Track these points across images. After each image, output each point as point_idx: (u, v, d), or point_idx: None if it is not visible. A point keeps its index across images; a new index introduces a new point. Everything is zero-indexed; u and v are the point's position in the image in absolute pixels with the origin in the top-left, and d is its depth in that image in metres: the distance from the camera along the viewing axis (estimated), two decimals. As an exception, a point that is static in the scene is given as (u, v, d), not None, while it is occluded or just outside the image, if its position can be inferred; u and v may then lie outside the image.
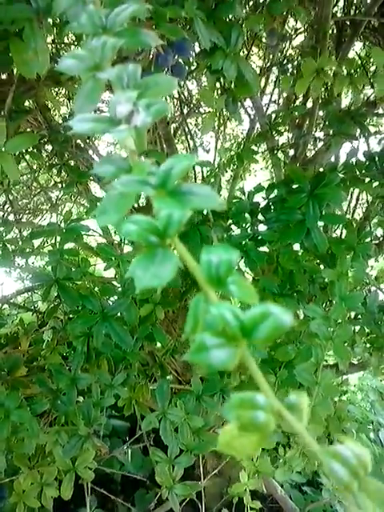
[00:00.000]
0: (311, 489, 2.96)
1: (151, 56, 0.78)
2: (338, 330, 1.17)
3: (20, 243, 1.28)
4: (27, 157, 1.66)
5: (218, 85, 0.98)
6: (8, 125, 0.86)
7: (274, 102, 2.22)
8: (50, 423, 1.34)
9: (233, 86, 0.96)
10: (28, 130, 1.78)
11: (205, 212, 1.35)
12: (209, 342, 0.29)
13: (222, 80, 0.96)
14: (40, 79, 0.85)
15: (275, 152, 1.85)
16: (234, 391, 1.39)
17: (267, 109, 2.03)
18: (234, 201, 1.41)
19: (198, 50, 0.97)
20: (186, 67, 1.49)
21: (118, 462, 2.94)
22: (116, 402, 1.43)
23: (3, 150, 0.83)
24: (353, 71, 1.13)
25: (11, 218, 2.59)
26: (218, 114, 1.49)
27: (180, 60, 0.85)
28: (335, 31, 2.06)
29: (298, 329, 1.35)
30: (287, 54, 2.01)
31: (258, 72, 1.79)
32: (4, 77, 0.97)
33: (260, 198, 1.42)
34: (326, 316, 1.20)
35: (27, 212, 2.98)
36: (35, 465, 1.38)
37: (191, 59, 1.02)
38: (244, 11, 1.14)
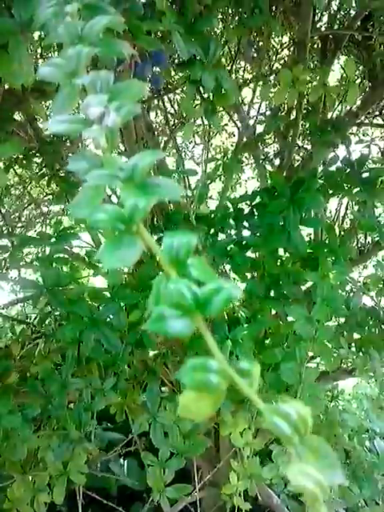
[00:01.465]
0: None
1: (130, 68, 0.82)
2: (320, 330, 1.20)
3: (10, 253, 1.30)
4: (18, 169, 1.69)
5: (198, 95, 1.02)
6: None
7: (261, 113, 2.28)
8: (41, 428, 1.35)
9: (212, 96, 1.00)
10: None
11: (190, 219, 1.39)
12: (166, 313, 0.32)
13: (201, 90, 1.00)
14: (26, 91, 0.89)
15: (261, 162, 1.90)
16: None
17: (255, 120, 2.08)
18: (218, 208, 1.46)
19: (177, 61, 1.01)
20: (171, 80, 1.54)
21: (115, 475, 2.93)
22: (109, 413, 1.46)
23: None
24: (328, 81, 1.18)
25: (3, 229, 2.62)
26: (205, 126, 1.54)
27: (158, 70, 0.89)
28: (319, 45, 2.13)
29: (285, 331, 1.37)
30: (273, 67, 2.08)
31: (245, 84, 1.85)
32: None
33: (245, 203, 1.46)
34: (308, 317, 1.23)
35: (20, 224, 3.01)
36: (27, 472, 1.39)
37: (174, 72, 1.06)
38: (224, 25, 1.18)
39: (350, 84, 1.18)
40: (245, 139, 2.04)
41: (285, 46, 2.22)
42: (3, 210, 2.45)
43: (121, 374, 1.34)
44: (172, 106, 2.31)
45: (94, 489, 1.95)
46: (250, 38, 1.19)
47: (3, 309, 2.03)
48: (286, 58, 2.09)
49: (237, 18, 1.12)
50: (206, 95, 1.01)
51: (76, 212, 0.42)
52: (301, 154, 2.09)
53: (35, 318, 1.83)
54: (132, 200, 0.37)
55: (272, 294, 1.36)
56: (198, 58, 0.97)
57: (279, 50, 2.17)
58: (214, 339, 0.34)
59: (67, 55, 0.51)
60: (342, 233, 2.13)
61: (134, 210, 0.37)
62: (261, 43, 1.38)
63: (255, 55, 1.27)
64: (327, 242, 1.37)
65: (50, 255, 1.34)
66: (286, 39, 2.23)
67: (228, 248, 1.30)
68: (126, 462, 2.96)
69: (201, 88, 1.01)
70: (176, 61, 1.21)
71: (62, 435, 1.28)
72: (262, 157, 1.89)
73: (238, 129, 2.12)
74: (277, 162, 2.09)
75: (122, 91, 0.49)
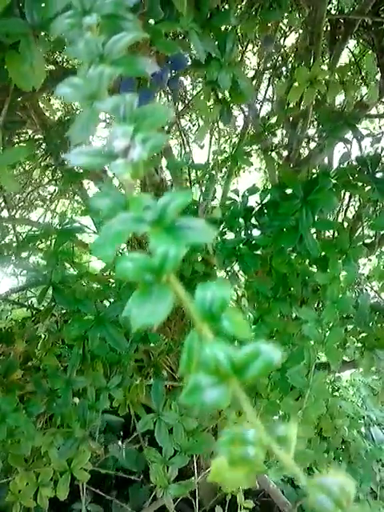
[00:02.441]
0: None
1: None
2: (329, 333, 1.19)
3: (14, 240, 1.28)
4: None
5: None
6: (3, 134, 0.86)
7: (269, 100, 2.22)
8: (45, 424, 1.35)
9: (227, 94, 0.97)
10: (24, 130, 1.78)
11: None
12: (203, 382, 0.31)
13: (216, 89, 0.97)
14: (35, 90, 0.85)
15: (269, 153, 1.86)
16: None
17: (261, 107, 2.03)
18: (228, 203, 1.43)
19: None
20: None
21: (113, 457, 2.97)
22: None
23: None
24: (346, 78, 1.14)
25: (5, 213, 2.59)
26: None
27: (176, 74, 0.86)
28: (329, 29, 2.06)
29: (291, 331, 1.37)
30: (282, 54, 2.02)
31: (253, 71, 1.80)
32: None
33: (254, 200, 1.44)
34: (317, 319, 1.22)
35: (22, 208, 2.97)
36: (31, 465, 1.39)
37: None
38: (237, 15, 1.14)
39: (370, 82, 1.13)
40: (252, 129, 2.00)
41: (293, 29, 2.15)
42: (4, 194, 2.42)
43: (126, 372, 1.33)
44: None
45: (91, 471, 1.97)
46: (269, 33, 1.14)
47: (6, 296, 2.01)
48: (296, 46, 2.03)
49: (253, 11, 1.07)
50: (221, 95, 0.97)
51: (98, 253, 0.40)
52: (310, 146, 2.05)
53: (37, 311, 1.82)
54: (163, 247, 0.35)
55: (280, 293, 1.35)
56: (213, 56, 0.94)
57: (288, 34, 2.11)
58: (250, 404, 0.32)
59: (88, 75, 0.48)
60: (347, 223, 2.11)
61: (165, 258, 0.35)
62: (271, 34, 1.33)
63: (274, 51, 1.23)
64: (337, 241, 1.35)
65: (56, 249, 1.32)
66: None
67: (237, 247, 1.28)
68: (124, 444, 2.98)
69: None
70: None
71: (66, 433, 1.28)
72: (270, 148, 1.85)
73: (244, 114, 2.08)
74: (284, 153, 2.05)
75: (148, 116, 0.46)
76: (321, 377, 1.20)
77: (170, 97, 1.37)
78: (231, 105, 0.98)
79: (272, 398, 1.35)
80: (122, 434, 2.94)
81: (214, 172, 1.57)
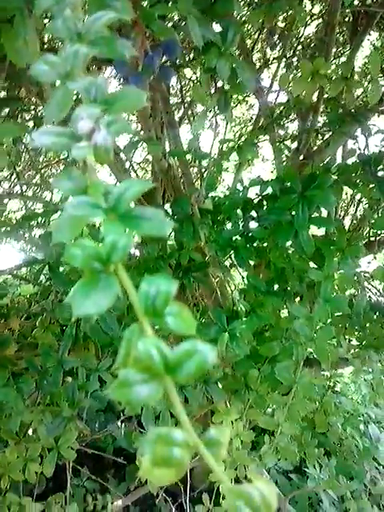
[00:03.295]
0: (297, 476, 3.00)
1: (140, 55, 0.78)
2: (320, 331, 1.18)
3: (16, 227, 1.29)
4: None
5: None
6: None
7: (283, 90, 2.19)
8: (35, 402, 1.37)
9: (226, 84, 0.96)
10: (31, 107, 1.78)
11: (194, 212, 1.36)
12: (132, 377, 0.30)
13: (215, 77, 0.96)
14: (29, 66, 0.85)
15: (277, 144, 1.84)
16: (218, 382, 1.42)
17: (277, 98, 2.00)
18: (231, 193, 1.42)
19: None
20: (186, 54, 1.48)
21: (111, 436, 3.01)
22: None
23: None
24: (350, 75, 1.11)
25: (17, 189, 2.61)
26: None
27: (169, 61, 0.84)
28: (351, 20, 2.02)
29: (283, 326, 1.36)
30: (301, 44, 1.98)
31: (265, 65, 1.77)
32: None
33: (257, 191, 1.43)
34: (309, 316, 1.21)
35: (34, 185, 2.98)
36: (22, 439, 1.42)
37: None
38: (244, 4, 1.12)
39: (372, 81, 1.11)
40: (262, 121, 1.97)
41: (314, 18, 2.11)
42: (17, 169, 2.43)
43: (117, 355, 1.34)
44: (184, 78, 2.23)
45: (90, 447, 1.99)
46: (272, 25, 1.12)
47: (14, 270, 2.02)
48: (312, 35, 1.99)
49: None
50: (220, 84, 0.96)
51: (57, 237, 0.40)
52: (319, 140, 2.02)
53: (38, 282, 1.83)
54: (112, 237, 0.35)
55: (275, 287, 1.34)
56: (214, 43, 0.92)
57: (308, 22, 2.07)
58: (179, 400, 0.32)
59: (63, 54, 0.48)
60: (355, 222, 2.08)
61: (114, 248, 0.35)
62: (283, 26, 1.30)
63: (277, 42, 1.20)
64: (335, 239, 1.33)
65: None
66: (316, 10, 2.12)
67: (233, 239, 1.28)
68: (123, 424, 3.02)
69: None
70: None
71: (54, 412, 1.30)
72: (279, 139, 1.83)
73: (259, 103, 2.05)
74: (294, 145, 2.03)
75: (120, 100, 0.46)
76: (307, 375, 1.20)
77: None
78: (231, 95, 0.97)
79: (261, 392, 1.35)
80: (121, 414, 2.98)
81: (221, 162, 1.56)
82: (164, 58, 0.80)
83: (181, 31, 0.87)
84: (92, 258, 0.35)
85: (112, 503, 1.92)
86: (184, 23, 0.89)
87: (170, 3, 0.78)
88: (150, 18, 0.72)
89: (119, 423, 3.00)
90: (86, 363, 1.32)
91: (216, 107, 1.03)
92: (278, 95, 2.07)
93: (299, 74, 1.14)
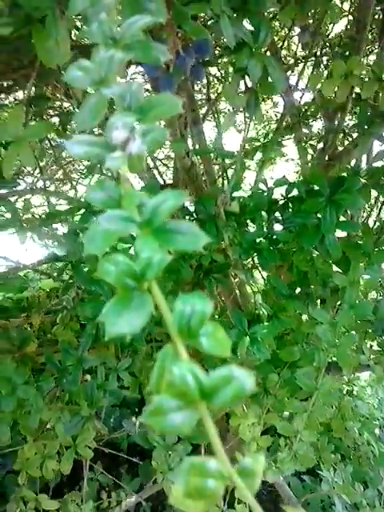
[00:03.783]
0: (311, 478, 2.97)
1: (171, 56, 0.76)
2: (343, 338, 1.16)
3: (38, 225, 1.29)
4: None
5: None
6: (27, 111, 0.86)
7: (307, 88, 2.15)
8: (53, 399, 1.38)
9: (256, 84, 0.94)
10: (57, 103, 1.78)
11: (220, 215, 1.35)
12: (166, 404, 0.29)
13: (245, 77, 0.94)
14: (60, 67, 0.84)
15: (303, 144, 1.81)
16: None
17: (302, 96, 1.96)
18: (255, 193, 1.40)
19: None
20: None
21: (126, 431, 3.02)
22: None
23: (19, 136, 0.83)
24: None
25: (40, 184, 2.61)
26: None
27: (200, 60, 0.82)
28: (381, 17, 1.97)
29: (305, 330, 1.34)
30: (328, 42, 1.94)
31: (295, 64, 1.74)
32: (26, 61, 0.97)
33: (282, 191, 1.40)
34: (332, 322, 1.19)
35: (57, 180, 2.99)
36: (40, 436, 1.43)
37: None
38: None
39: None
40: (288, 119, 1.94)
41: (343, 14, 2.06)
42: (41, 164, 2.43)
43: (137, 355, 1.34)
44: (210, 75, 2.21)
45: (105, 444, 2.01)
46: (305, 23, 1.09)
47: (37, 265, 2.03)
48: (341, 34, 1.94)
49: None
50: (250, 84, 0.94)
51: (88, 249, 0.39)
52: (346, 141, 1.98)
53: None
54: (147, 253, 0.34)
55: (297, 290, 1.32)
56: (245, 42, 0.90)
57: (339, 20, 2.02)
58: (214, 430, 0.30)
59: (98, 59, 0.46)
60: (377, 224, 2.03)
61: (148, 264, 0.34)
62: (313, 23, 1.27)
63: (310, 40, 1.18)
64: (361, 243, 1.30)
65: (78, 226, 1.32)
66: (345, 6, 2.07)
67: (257, 241, 1.26)
68: (137, 420, 3.03)
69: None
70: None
71: (73, 410, 1.30)
72: (304, 139, 1.80)
73: (285, 101, 2.01)
74: (319, 144, 1.99)
75: (155, 107, 0.44)
76: (329, 382, 1.18)
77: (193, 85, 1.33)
78: (260, 95, 0.95)
79: (280, 397, 1.34)
80: (137, 409, 2.99)
81: (244, 160, 1.53)
82: (195, 58, 0.78)
83: (209, 29, 0.85)
84: (125, 274, 0.34)
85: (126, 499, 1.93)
86: (211, 21, 0.87)
87: (202, 1, 0.76)
88: (183, 18, 0.70)
89: (134, 419, 3.01)
90: (106, 362, 1.32)
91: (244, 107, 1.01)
92: (303, 94, 2.03)
93: (330, 74, 1.11)
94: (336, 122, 1.92)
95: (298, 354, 1.34)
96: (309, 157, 1.94)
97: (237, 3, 0.91)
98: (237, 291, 1.59)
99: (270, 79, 0.95)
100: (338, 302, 1.48)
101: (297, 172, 3.04)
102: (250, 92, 0.90)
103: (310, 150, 2.04)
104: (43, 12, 0.77)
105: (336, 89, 1.13)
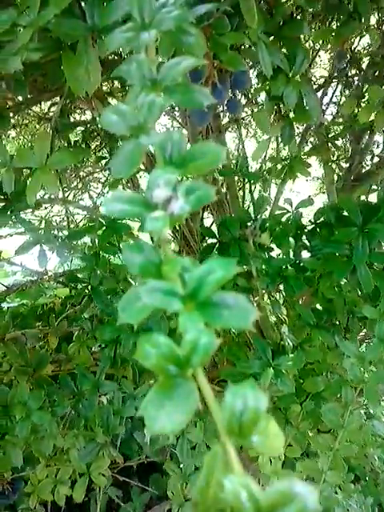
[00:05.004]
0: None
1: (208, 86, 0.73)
2: (372, 374, 1.11)
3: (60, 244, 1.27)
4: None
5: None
6: (54, 137, 0.83)
7: (335, 103, 2.10)
8: (67, 421, 1.34)
9: (291, 111, 0.90)
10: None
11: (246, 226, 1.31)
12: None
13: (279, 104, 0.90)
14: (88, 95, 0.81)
15: (329, 164, 1.76)
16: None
17: (325, 110, 1.91)
18: (278, 213, 1.36)
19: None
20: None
21: (137, 443, 2.98)
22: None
23: (44, 163, 0.81)
24: None
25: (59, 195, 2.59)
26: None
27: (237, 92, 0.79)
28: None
29: (331, 361, 1.29)
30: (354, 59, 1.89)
31: (322, 79, 1.69)
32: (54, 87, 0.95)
33: (306, 212, 1.36)
34: (361, 355, 1.14)
35: (75, 188, 2.98)
36: (53, 459, 1.39)
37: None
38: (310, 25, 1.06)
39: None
40: (314, 137, 1.90)
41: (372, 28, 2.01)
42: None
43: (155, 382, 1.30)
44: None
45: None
46: (342, 48, 1.05)
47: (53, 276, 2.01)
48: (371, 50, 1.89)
49: (327, 22, 0.99)
50: (283, 111, 0.90)
51: (123, 317, 0.35)
52: (374, 161, 1.93)
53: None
54: (192, 334, 0.30)
55: (324, 320, 1.27)
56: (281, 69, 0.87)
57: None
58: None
59: (137, 103, 0.43)
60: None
61: (194, 349, 0.30)
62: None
63: (345, 66, 1.13)
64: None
65: (99, 248, 1.30)
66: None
67: (283, 267, 1.21)
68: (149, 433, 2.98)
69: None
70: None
71: (88, 436, 1.27)
72: (331, 160, 1.75)
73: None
74: (345, 164, 1.95)
75: (197, 158, 0.41)
76: (357, 419, 1.12)
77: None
78: (295, 123, 0.91)
79: (302, 429, 1.29)
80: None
81: (268, 180, 1.49)
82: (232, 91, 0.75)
83: (243, 54, 0.82)
84: (167, 359, 0.30)
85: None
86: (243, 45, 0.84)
87: (239, 30, 0.73)
88: (221, 48, 0.67)
89: (146, 431, 2.96)
90: (123, 388, 1.28)
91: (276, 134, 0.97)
92: (330, 112, 1.99)
93: (363, 96, 1.07)
94: (363, 144, 1.88)
95: (322, 385, 1.29)
96: (335, 176, 1.89)
97: (272, 29, 0.88)
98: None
99: (304, 105, 0.91)
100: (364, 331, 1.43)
101: (320, 189, 2.99)
102: (284, 120, 0.86)
103: (335, 167, 1.99)
104: (74, 38, 0.74)
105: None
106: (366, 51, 1.86)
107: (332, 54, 1.65)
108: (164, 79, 0.45)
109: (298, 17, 0.97)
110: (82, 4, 0.71)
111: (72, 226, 2.50)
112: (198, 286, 0.33)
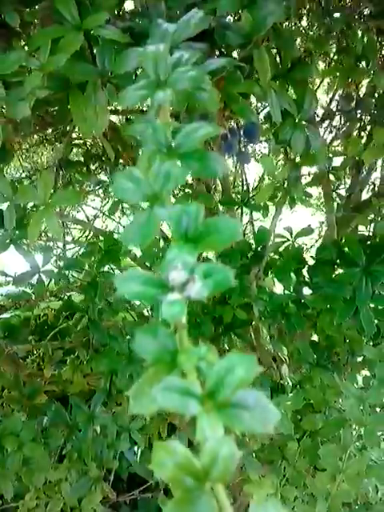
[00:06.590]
0: None
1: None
2: (372, 417, 1.09)
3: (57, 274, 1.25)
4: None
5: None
6: (57, 176, 0.82)
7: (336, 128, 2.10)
8: (60, 456, 1.31)
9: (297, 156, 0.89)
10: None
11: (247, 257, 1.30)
12: None
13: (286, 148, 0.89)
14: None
15: (329, 193, 1.76)
16: (255, 453, 1.33)
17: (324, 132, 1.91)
18: (278, 242, 1.35)
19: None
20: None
21: (127, 461, 2.93)
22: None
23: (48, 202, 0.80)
24: None
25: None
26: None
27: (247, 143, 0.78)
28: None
29: (329, 399, 1.27)
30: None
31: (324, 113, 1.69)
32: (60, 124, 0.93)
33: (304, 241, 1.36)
34: (361, 397, 1.12)
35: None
36: (43, 488, 1.36)
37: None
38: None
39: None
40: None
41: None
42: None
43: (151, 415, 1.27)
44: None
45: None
46: (348, 90, 1.05)
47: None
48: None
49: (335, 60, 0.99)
50: (290, 154, 0.90)
51: (134, 406, 0.34)
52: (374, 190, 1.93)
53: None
54: (212, 444, 0.29)
55: (324, 358, 1.25)
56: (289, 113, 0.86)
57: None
58: None
59: (152, 172, 0.42)
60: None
61: (214, 461, 0.28)
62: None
63: (351, 109, 1.13)
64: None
65: (97, 277, 1.28)
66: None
67: (284, 304, 1.20)
68: (139, 450, 2.96)
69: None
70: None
71: (81, 470, 1.24)
72: (332, 190, 1.75)
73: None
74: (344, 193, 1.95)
75: (212, 233, 0.39)
76: (356, 465, 1.10)
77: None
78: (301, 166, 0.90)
79: (299, 467, 1.26)
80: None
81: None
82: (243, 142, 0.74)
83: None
84: (184, 471, 0.29)
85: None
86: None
87: (251, 78, 0.72)
88: (234, 99, 0.66)
89: (136, 449, 2.93)
90: (118, 420, 1.25)
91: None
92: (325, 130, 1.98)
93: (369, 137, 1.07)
94: (363, 174, 1.88)
95: (321, 423, 1.27)
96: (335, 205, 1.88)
97: (281, 72, 0.88)
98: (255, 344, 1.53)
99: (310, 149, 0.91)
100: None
101: (317, 208, 2.98)
102: (291, 164, 0.86)
103: (335, 196, 1.99)
104: (83, 80, 0.73)
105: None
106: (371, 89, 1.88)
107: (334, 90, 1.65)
108: (180, 147, 0.43)
109: (307, 59, 0.97)
110: (92, 47, 0.71)
111: (68, 238, 2.49)
112: (217, 386, 0.31)
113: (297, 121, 0.86)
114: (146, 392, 0.34)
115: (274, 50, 0.89)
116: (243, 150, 0.76)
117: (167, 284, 0.36)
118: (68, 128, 0.83)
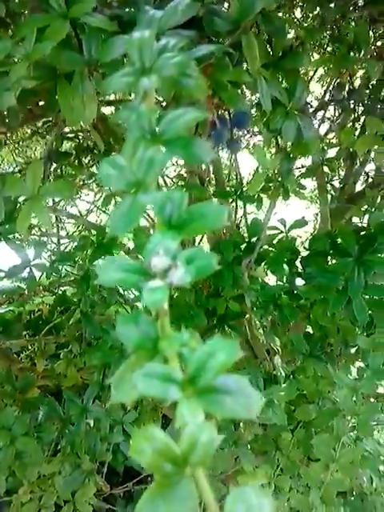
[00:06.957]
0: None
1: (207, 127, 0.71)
2: (364, 407, 1.09)
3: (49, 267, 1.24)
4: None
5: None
6: (46, 168, 0.81)
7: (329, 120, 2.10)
8: (53, 445, 1.31)
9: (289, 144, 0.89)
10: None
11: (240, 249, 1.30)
12: None
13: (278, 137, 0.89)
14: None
15: (323, 185, 1.75)
16: (248, 444, 1.34)
17: (319, 126, 1.91)
18: (271, 234, 1.35)
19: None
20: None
21: (122, 454, 2.94)
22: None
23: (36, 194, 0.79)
24: None
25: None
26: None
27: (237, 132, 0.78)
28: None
29: (323, 389, 1.27)
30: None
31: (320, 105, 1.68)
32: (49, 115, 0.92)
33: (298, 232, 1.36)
34: (354, 387, 1.12)
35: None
36: (37, 481, 1.36)
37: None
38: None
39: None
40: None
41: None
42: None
43: (143, 407, 1.28)
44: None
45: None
46: (341, 79, 1.05)
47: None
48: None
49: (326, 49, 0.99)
50: (282, 143, 0.89)
51: (116, 396, 0.34)
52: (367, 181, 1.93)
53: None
54: (191, 430, 0.28)
55: (317, 349, 1.25)
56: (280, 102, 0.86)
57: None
58: None
59: (136, 158, 0.41)
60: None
61: (193, 446, 0.28)
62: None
63: (343, 98, 1.13)
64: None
65: (88, 274, 1.28)
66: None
67: (276, 295, 1.20)
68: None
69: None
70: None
71: (74, 463, 1.24)
72: (326, 182, 1.75)
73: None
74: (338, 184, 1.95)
75: (196, 219, 0.39)
76: (349, 454, 1.11)
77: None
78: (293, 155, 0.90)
79: (293, 457, 1.27)
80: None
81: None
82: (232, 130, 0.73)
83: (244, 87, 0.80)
84: (163, 457, 0.28)
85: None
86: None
87: (240, 66, 0.72)
88: (222, 87, 0.65)
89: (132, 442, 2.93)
90: (111, 413, 1.25)
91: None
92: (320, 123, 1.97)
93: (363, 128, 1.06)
94: (357, 165, 1.88)
95: (314, 414, 1.27)
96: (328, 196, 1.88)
97: (272, 60, 0.87)
98: (249, 336, 1.53)
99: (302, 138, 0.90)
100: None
101: (312, 200, 2.98)
102: (283, 153, 0.85)
103: (329, 188, 1.99)
104: (70, 69, 0.72)
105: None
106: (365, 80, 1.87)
107: (327, 81, 1.64)
108: (164, 133, 0.43)
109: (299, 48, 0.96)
110: (78, 36, 0.70)
111: (62, 232, 2.48)
112: (198, 371, 0.31)
113: (288, 109, 0.85)
114: (127, 379, 0.34)
115: (266, 39, 0.89)
116: (234, 138, 0.75)
117: (149, 271, 0.35)
118: (57, 120, 0.82)
